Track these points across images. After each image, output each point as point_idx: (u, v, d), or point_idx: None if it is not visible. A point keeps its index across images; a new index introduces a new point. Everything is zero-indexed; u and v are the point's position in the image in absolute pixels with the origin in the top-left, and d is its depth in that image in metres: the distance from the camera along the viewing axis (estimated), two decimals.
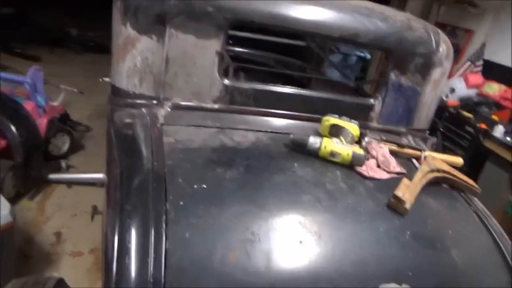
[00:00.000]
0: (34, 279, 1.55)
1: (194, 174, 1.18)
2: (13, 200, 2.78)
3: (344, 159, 1.37)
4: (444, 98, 4.04)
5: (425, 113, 1.79)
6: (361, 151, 1.38)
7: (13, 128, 2.81)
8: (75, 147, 3.75)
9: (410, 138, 1.79)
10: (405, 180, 1.32)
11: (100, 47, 7.89)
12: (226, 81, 1.50)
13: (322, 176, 1.31)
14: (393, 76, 1.66)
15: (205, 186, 1.14)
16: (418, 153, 1.59)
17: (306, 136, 1.41)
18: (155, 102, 1.46)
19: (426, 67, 1.67)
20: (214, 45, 1.43)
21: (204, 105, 1.51)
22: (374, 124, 1.72)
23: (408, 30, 1.64)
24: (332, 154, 1.37)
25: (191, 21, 1.38)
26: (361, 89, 2.29)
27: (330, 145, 1.38)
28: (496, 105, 3.82)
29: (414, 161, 1.59)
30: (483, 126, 3.51)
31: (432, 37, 1.67)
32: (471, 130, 3.60)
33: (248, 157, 1.33)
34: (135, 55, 1.40)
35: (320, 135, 1.54)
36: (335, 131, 1.53)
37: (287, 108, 1.61)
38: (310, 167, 1.34)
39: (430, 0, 5.33)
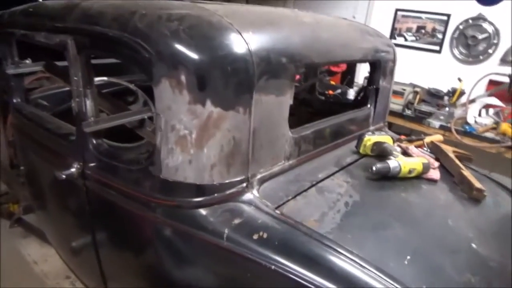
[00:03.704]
0: None
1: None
2: None
3: (418, 171, 1.49)
4: None
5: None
6: (425, 160, 1.52)
7: None
8: None
9: (387, 130, 2.04)
10: (466, 172, 1.55)
11: None
12: (296, 134, 1.33)
13: (421, 194, 1.42)
14: (380, 82, 1.82)
15: None
16: (420, 142, 1.85)
17: (384, 163, 1.44)
18: (244, 185, 1.17)
19: (393, 66, 1.90)
20: (288, 99, 1.24)
21: (282, 167, 1.30)
22: (371, 127, 1.88)
23: (380, 38, 1.82)
24: (410, 171, 1.47)
25: (272, 78, 1.14)
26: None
27: (405, 164, 1.47)
28: (328, 72, 4.55)
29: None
30: (331, 92, 4.17)
31: (384, 36, 1.91)
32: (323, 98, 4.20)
33: (367, 204, 1.29)
34: (221, 138, 1.08)
35: (360, 155, 1.62)
36: (376, 148, 1.62)
37: (328, 140, 1.57)
38: (412, 191, 1.41)
39: None
